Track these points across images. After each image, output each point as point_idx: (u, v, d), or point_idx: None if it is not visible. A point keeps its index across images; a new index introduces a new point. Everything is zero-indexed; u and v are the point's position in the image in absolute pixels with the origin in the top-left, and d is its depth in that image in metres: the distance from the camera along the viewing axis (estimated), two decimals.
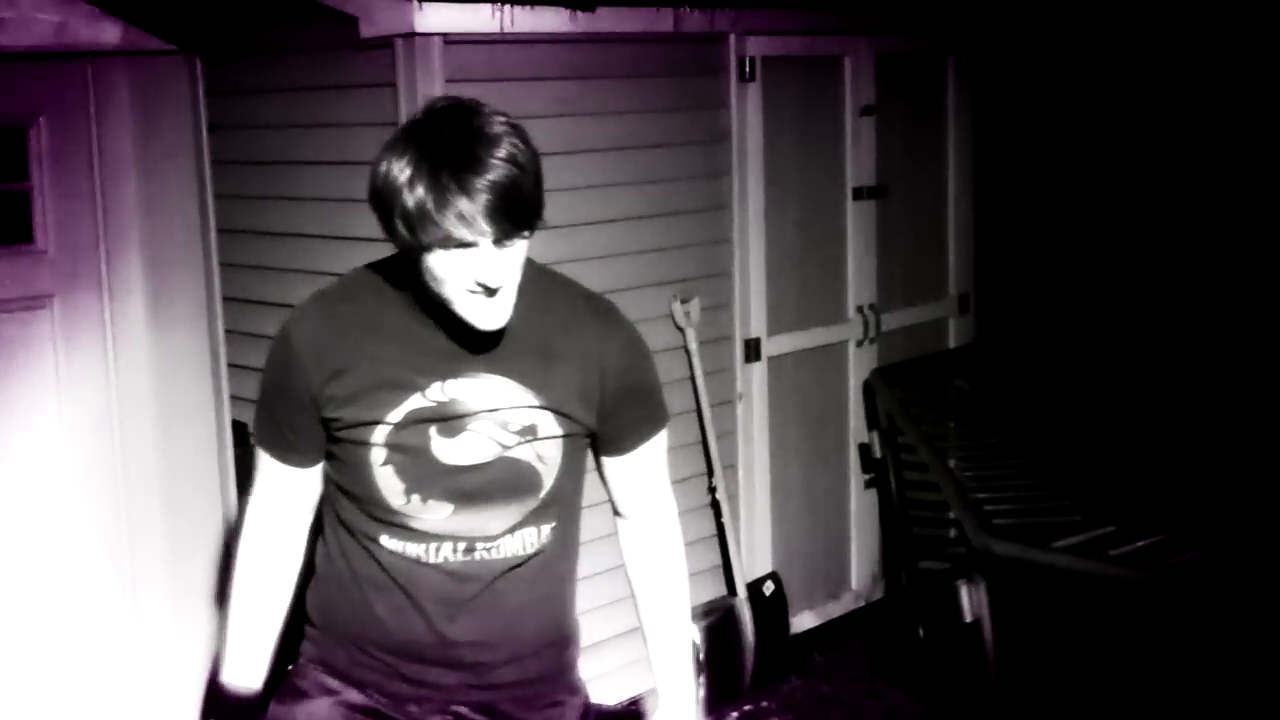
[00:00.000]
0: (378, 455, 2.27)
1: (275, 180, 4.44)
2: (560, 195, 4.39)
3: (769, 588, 4.97)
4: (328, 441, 2.33)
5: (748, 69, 4.85)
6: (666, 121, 4.67)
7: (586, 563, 4.45)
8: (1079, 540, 4.13)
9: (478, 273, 2.11)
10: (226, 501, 4.01)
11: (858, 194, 5.34)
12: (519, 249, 2.16)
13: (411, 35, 3.95)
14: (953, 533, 4.80)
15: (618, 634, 4.58)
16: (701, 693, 4.69)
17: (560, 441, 2.32)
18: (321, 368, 2.27)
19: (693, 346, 4.76)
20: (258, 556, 2.44)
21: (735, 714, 4.68)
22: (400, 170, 2.08)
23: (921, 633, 4.79)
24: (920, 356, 5.62)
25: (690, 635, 4.59)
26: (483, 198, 2.05)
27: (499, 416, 2.27)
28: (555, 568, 2.42)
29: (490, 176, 2.06)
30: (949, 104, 5.73)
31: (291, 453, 2.37)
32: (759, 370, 5.07)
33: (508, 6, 4.10)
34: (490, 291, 2.14)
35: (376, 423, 2.25)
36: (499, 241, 2.10)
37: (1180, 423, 4.90)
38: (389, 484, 2.28)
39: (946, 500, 4.52)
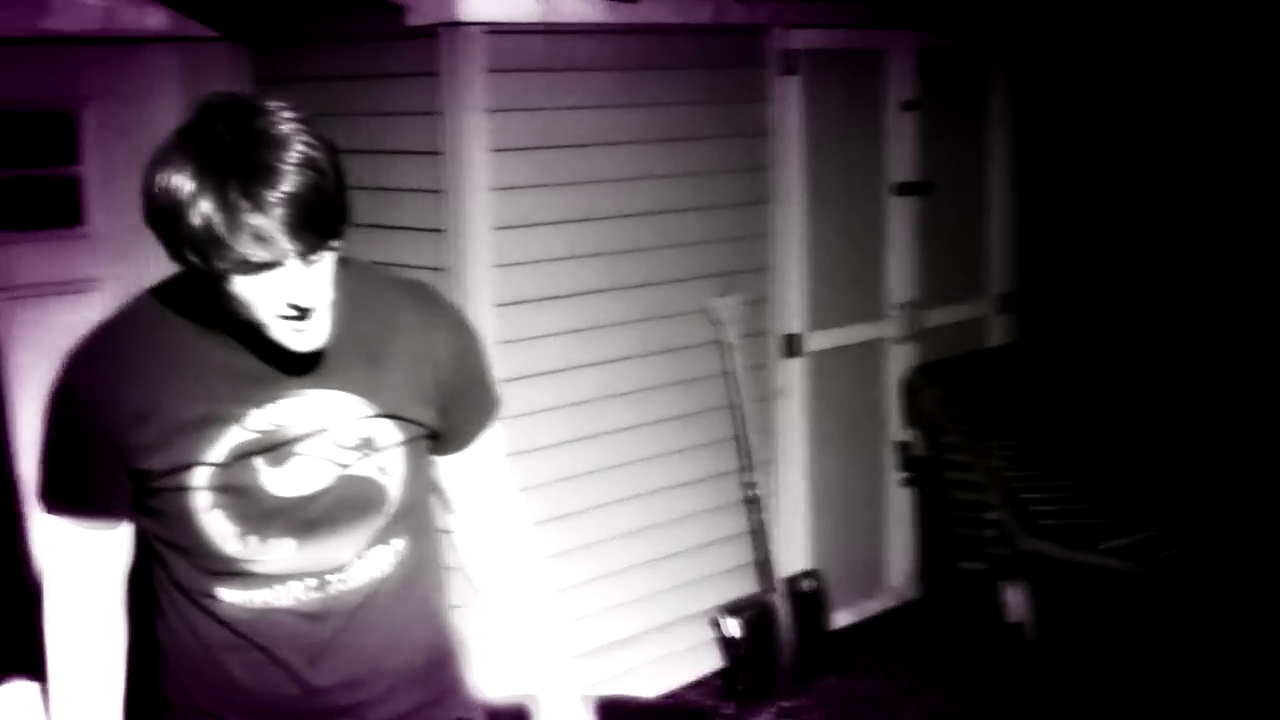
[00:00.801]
0: (202, 500, 2.00)
1: None
2: (600, 187, 4.43)
3: (807, 584, 4.95)
4: (140, 495, 2.04)
5: (790, 62, 4.84)
6: (707, 114, 4.66)
7: (601, 563, 4.53)
8: (1124, 543, 4.09)
9: (287, 294, 1.86)
10: None
11: (899, 190, 5.32)
12: (328, 261, 1.89)
13: (455, 24, 3.96)
14: (994, 533, 4.77)
15: (644, 630, 4.58)
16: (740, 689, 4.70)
17: (403, 449, 2.10)
18: (119, 415, 1.98)
19: (732, 341, 4.74)
20: (75, 643, 2.12)
21: (771, 710, 4.66)
22: (179, 185, 1.79)
23: (961, 633, 4.76)
24: (961, 354, 5.58)
25: (728, 629, 4.64)
26: (279, 211, 1.79)
27: (331, 434, 2.03)
28: (418, 584, 2.19)
29: (285, 187, 1.79)
30: (992, 99, 5.70)
31: (96, 513, 2.07)
32: (798, 366, 5.05)
33: None
34: (304, 313, 1.89)
35: (194, 465, 1.99)
36: (305, 257, 1.84)
37: (1224, 423, 4.86)
38: (219, 529, 2.02)
39: (988, 500, 4.49)
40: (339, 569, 2.08)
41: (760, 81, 4.81)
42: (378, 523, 2.10)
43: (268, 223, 1.78)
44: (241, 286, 1.85)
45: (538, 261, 4.17)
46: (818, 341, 5.11)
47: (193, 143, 1.81)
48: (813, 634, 4.91)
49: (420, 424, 2.11)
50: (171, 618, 2.13)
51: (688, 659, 4.72)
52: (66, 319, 3.69)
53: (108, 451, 2.00)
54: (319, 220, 1.83)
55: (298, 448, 2.02)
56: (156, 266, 3.99)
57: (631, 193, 4.43)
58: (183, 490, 2.00)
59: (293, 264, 1.83)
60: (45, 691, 2.18)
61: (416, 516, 2.17)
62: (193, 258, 1.82)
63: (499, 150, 4.06)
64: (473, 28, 3.96)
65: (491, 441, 2.26)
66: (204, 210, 1.78)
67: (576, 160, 4.26)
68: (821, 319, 5.12)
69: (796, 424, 5.07)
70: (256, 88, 3.91)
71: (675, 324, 4.59)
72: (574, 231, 4.26)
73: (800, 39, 4.86)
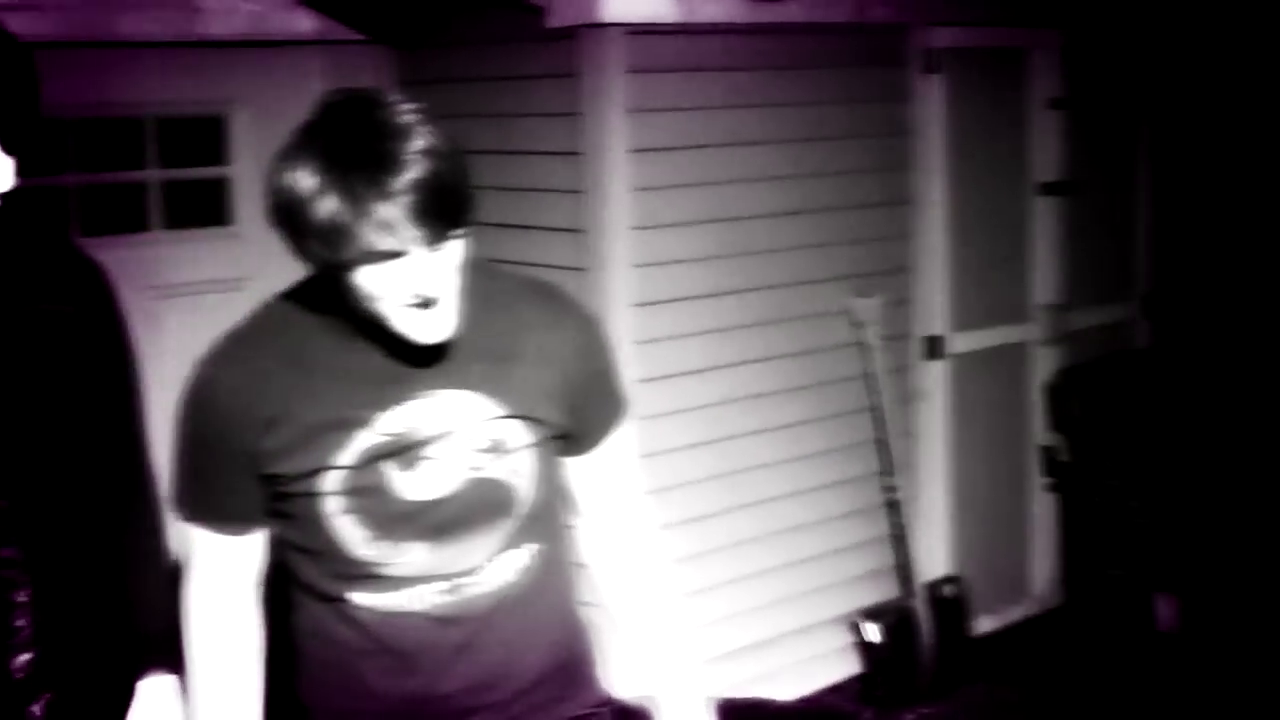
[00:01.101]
0: (333, 505, 2.00)
1: None
2: (738, 187, 4.42)
3: (948, 590, 4.88)
4: (273, 500, 2.06)
5: (931, 60, 4.78)
6: (847, 113, 4.62)
7: (738, 565, 4.50)
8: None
9: (413, 284, 1.86)
10: None
11: (1044, 189, 5.22)
12: (455, 250, 1.89)
13: (595, 25, 3.97)
14: (1143, 540, 4.66)
15: (782, 634, 4.55)
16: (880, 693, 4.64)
17: (533, 450, 2.07)
18: (252, 421, 1.99)
19: (873, 343, 4.69)
20: (213, 646, 2.14)
21: (911, 716, 4.60)
22: (304, 180, 1.81)
23: (1107, 641, 4.66)
24: (1106, 356, 5.46)
25: (868, 633, 4.60)
26: (404, 199, 1.80)
27: (461, 436, 2.01)
28: (549, 585, 2.17)
29: (409, 175, 1.80)
30: (1139, 97, 5.57)
31: (232, 520, 2.08)
32: (940, 369, 4.98)
33: None
34: (429, 303, 1.89)
35: (325, 469, 1.99)
36: (431, 245, 1.84)
37: None
38: (350, 533, 2.02)
39: (1136, 507, 4.39)
40: (471, 572, 2.07)
41: (901, 80, 4.75)
42: (509, 526, 2.08)
43: (393, 211, 1.79)
44: (367, 278, 1.85)
45: (676, 262, 4.17)
46: (960, 344, 5.04)
47: (316, 138, 1.83)
48: (954, 640, 4.83)
49: (549, 424, 2.09)
50: (305, 621, 2.14)
51: (826, 663, 4.68)
52: (216, 316, 3.76)
53: (241, 458, 2.02)
54: (443, 208, 1.84)
55: (427, 450, 2.00)
56: (302, 266, 4.07)
57: (770, 193, 4.40)
58: (314, 495, 2.00)
59: (418, 252, 1.84)
60: (183, 685, 2.24)
61: (547, 518, 2.15)
62: (319, 251, 1.84)
63: (638, 150, 4.07)
64: (613, 29, 3.98)
65: (619, 443, 2.24)
66: (329, 202, 1.79)
67: (715, 160, 4.25)
68: (964, 321, 5.04)
69: (937, 427, 4.99)
70: (399, 89, 3.96)
71: (814, 325, 4.55)
72: (713, 232, 4.25)
73: (942, 37, 4.80)
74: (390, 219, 1.80)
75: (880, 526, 4.79)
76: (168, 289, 3.76)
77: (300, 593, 2.13)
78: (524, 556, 2.11)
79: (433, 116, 1.87)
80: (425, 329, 1.92)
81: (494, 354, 2.04)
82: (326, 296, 1.94)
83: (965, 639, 4.91)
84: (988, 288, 5.12)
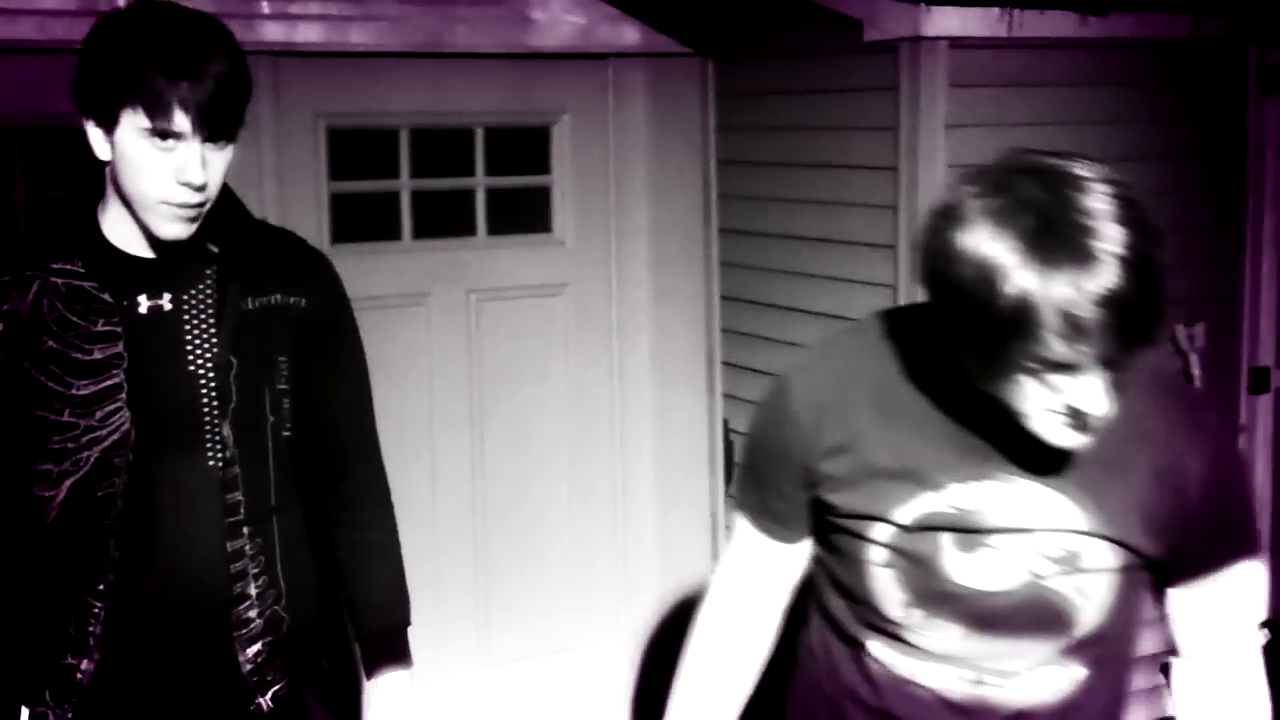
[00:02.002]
0: (878, 555, 1.88)
1: (773, 182, 4.52)
2: None
3: (1264, 636, 4.62)
4: (821, 525, 1.98)
5: (1269, 79, 4.54)
6: (1175, 131, 4.43)
7: None
8: None
9: (1076, 398, 1.66)
10: (714, 494, 4.10)
11: None
12: (1121, 371, 1.67)
13: (916, 39, 3.92)
14: None
15: None
16: None
17: (1111, 575, 1.84)
18: (820, 437, 1.90)
19: (1195, 373, 4.49)
20: (716, 634, 2.09)
21: None
22: (995, 250, 1.61)
23: None
24: None
25: None
26: (1101, 314, 1.58)
27: (1033, 538, 1.82)
28: (1082, 713, 1.93)
29: (1113, 288, 1.57)
30: None
31: (774, 524, 2.02)
32: (1265, 402, 4.73)
33: (1016, 10, 4.00)
34: (1080, 419, 1.69)
35: (880, 519, 1.86)
36: (1110, 367, 1.63)
37: None
38: (886, 590, 1.89)
39: None
40: (1003, 674, 1.90)
41: (1235, 98, 4.53)
42: (1059, 643, 1.88)
43: (1088, 323, 1.58)
44: (1025, 373, 1.66)
45: None
46: None
47: (1012, 210, 1.63)
48: (1272, 689, 4.57)
49: (1140, 553, 1.86)
50: (815, 644, 2.06)
51: None
52: (535, 320, 3.90)
53: (798, 470, 1.94)
54: (1142, 326, 1.62)
55: (991, 539, 1.83)
56: (619, 274, 4.17)
57: None
58: (861, 539, 1.89)
59: (1096, 371, 1.64)
60: (411, 681, 2.28)
61: (1111, 648, 1.93)
62: (983, 333, 1.65)
63: (956, 166, 3.99)
64: (935, 42, 3.92)
65: (1235, 582, 1.93)
66: (1019, 290, 1.59)
67: None
68: None
69: (1260, 463, 4.74)
70: (718, 102, 4.00)
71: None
72: None
73: None
74: (1078, 328, 1.58)
75: None
76: (492, 291, 3.90)
77: (819, 615, 2.05)
78: (1065, 678, 1.91)
79: (1133, 197, 1.67)
80: (1064, 437, 1.73)
81: (1099, 460, 1.80)
82: (936, 341, 1.77)
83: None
84: None
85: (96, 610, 2.16)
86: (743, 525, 2.07)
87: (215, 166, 2.08)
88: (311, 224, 3.67)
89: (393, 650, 2.34)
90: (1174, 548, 1.87)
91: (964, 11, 3.94)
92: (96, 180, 2.16)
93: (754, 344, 4.38)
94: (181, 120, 2.02)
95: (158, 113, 2.01)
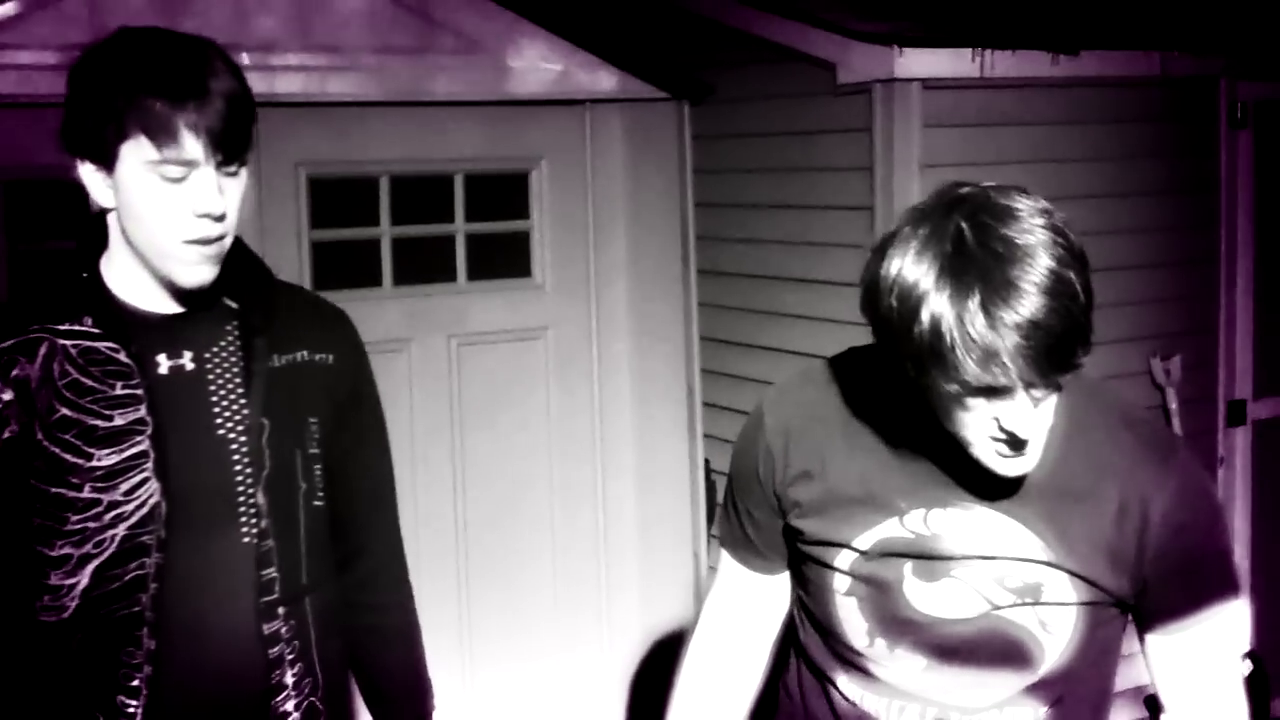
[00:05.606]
0: (840, 583, 1.89)
1: (750, 223, 4.56)
2: None
3: (1246, 667, 4.64)
4: (793, 555, 2.00)
5: (1239, 115, 4.60)
6: (1149, 168, 4.48)
7: None
8: None
9: (1005, 421, 1.67)
10: (696, 534, 4.12)
11: None
12: (1052, 395, 1.69)
13: (890, 80, 3.97)
14: None
15: None
16: None
17: (1074, 610, 1.81)
18: (790, 463, 1.93)
19: (1172, 406, 4.52)
20: (703, 668, 2.10)
21: None
22: (913, 278, 1.62)
23: None
24: None
25: None
26: (1014, 338, 1.59)
27: (994, 567, 1.80)
28: None
29: (1025, 312, 1.58)
30: None
31: (752, 556, 2.04)
32: (1242, 435, 4.76)
33: (988, 51, 4.06)
34: (1019, 445, 1.70)
35: (842, 545, 1.87)
36: (1033, 390, 1.64)
37: None
38: (850, 619, 1.89)
39: None
40: (966, 711, 1.88)
41: (1207, 135, 4.59)
42: (1023, 679, 1.85)
43: (1001, 347, 1.59)
44: (952, 403, 1.69)
45: None
46: (1266, 409, 4.81)
47: (933, 236, 1.63)
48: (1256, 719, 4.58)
49: (1104, 589, 1.82)
50: (791, 681, 2.07)
51: None
52: (516, 364, 3.92)
53: (770, 497, 1.97)
54: (1059, 351, 1.62)
55: (951, 567, 1.82)
56: (599, 316, 4.20)
57: None
58: (827, 567, 1.90)
59: (1020, 396, 1.65)
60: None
61: (1076, 685, 1.88)
62: (909, 361, 1.67)
63: None
64: (908, 84, 3.97)
65: (1213, 629, 1.86)
66: (932, 316, 1.61)
67: None
68: (1270, 385, 4.81)
69: (1239, 496, 4.77)
70: (694, 144, 4.04)
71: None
72: None
73: (1251, 91, 4.62)
74: (996, 355, 1.59)
75: None
76: (471, 335, 3.92)
77: (795, 655, 2.06)
78: (1030, 718, 1.88)
79: (1064, 229, 1.66)
80: (1004, 465, 1.74)
81: (1060, 491, 1.80)
82: (899, 375, 1.75)
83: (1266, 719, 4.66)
84: None
85: (132, 710, 1.94)
86: (725, 559, 2.09)
87: (232, 194, 1.89)
88: (293, 271, 3.69)
89: (405, 710, 2.23)
90: (1142, 587, 1.84)
91: (937, 53, 4.00)
92: (98, 232, 1.96)
93: (734, 384, 4.41)
94: (193, 146, 1.82)
95: (165, 140, 1.81)
